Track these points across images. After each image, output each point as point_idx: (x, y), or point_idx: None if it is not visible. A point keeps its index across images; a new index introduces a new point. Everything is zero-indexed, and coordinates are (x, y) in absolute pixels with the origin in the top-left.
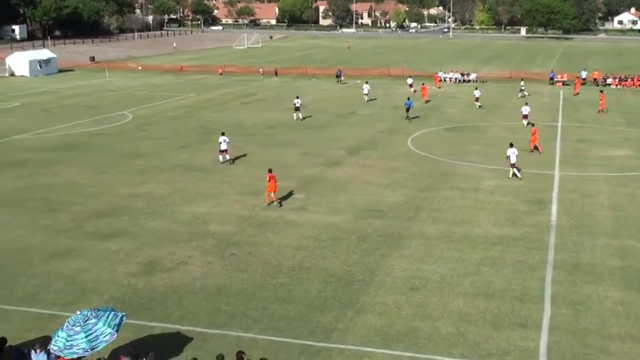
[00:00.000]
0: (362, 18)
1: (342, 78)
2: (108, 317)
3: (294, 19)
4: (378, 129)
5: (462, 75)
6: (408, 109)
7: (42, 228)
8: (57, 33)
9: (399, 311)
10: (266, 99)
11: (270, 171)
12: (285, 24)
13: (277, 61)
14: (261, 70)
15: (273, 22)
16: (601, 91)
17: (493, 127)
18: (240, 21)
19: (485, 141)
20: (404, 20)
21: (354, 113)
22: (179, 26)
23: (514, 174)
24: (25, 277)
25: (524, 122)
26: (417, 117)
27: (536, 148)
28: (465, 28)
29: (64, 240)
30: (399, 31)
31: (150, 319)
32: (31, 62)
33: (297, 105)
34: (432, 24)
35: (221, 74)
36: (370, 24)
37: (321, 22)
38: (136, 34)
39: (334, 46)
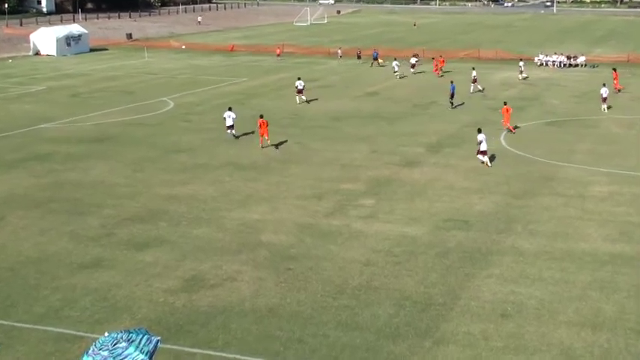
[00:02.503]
0: None
1: (381, 61)
2: (141, 341)
3: None
4: (464, 122)
5: (568, 58)
6: (452, 95)
7: (67, 234)
8: (89, 6)
9: (486, 343)
10: (331, 85)
11: (261, 116)
12: None
13: (345, 40)
14: (339, 51)
15: None
16: (614, 69)
17: (605, 120)
18: None
19: (596, 138)
20: None
21: (435, 103)
22: None
23: (484, 162)
24: (47, 290)
25: (604, 106)
26: (462, 104)
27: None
28: (572, 2)
29: (93, 249)
30: (492, 5)
31: (190, 345)
32: (58, 39)
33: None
34: None
35: (279, 55)
36: None
37: None
38: (180, 7)
39: (400, 22)
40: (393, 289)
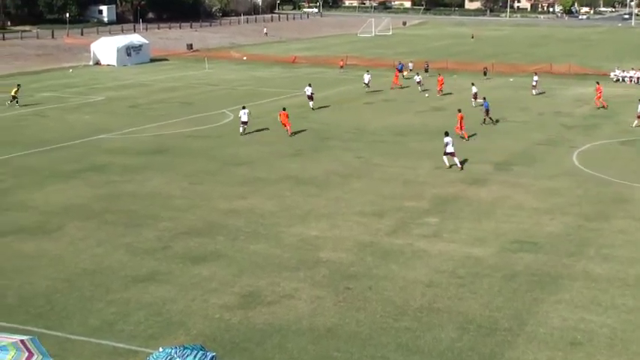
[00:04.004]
0: (519, 1)
1: (405, 73)
2: (195, 357)
3: (434, 1)
4: (535, 139)
5: None
6: (487, 111)
7: (123, 246)
8: (150, 15)
9: None
10: (395, 99)
11: (284, 109)
12: (422, 7)
13: (410, 53)
14: (410, 64)
15: (408, 4)
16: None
17: None
18: (368, 3)
19: None
20: (572, 4)
21: (504, 119)
22: (293, 9)
23: (454, 164)
24: (101, 303)
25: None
26: (498, 120)
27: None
28: None
29: (149, 262)
30: (566, 18)
31: None
32: (119, 49)
33: (309, 93)
34: (609, 9)
35: (342, 67)
36: (529, 8)
37: (467, 5)
38: (241, 17)
39: (468, 35)
40: (456, 312)
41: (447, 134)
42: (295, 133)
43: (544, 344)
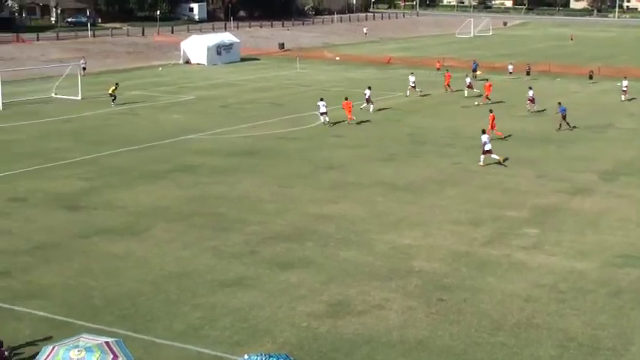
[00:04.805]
0: (629, 0)
1: (479, 73)
2: None
3: (537, 0)
4: None
5: None
6: (563, 116)
7: (210, 250)
8: (241, 13)
9: None
10: (493, 103)
11: (346, 99)
12: (523, 7)
13: (511, 54)
14: (510, 67)
15: (509, 3)
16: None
17: None
18: (467, 2)
19: None
20: None
21: (612, 126)
22: (388, 7)
23: (493, 161)
24: (187, 307)
25: None
26: (575, 127)
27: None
28: None
29: (236, 266)
30: None
31: None
32: (209, 48)
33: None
34: None
35: (439, 69)
36: None
37: (572, 4)
38: (335, 16)
39: (558, 34)
40: (556, 329)
41: (484, 132)
42: (386, 138)
43: None
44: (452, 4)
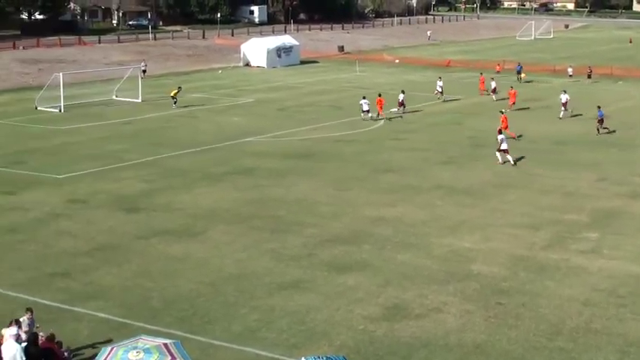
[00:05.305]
0: None
1: (523, 75)
2: None
3: (599, 2)
4: None
5: None
6: (601, 120)
7: (268, 252)
8: (301, 16)
9: None
10: (556, 106)
11: (379, 95)
12: (585, 10)
13: (572, 57)
14: (570, 69)
15: (571, 6)
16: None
17: None
18: (528, 5)
19: None
20: None
21: None
22: (449, 10)
23: (507, 160)
24: (245, 309)
25: None
26: (614, 131)
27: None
28: None
29: (293, 269)
30: None
31: None
32: (269, 51)
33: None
34: None
35: (499, 72)
36: None
37: (635, 7)
38: (395, 19)
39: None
40: (616, 334)
41: (500, 132)
42: (446, 141)
43: None
44: (512, 6)
